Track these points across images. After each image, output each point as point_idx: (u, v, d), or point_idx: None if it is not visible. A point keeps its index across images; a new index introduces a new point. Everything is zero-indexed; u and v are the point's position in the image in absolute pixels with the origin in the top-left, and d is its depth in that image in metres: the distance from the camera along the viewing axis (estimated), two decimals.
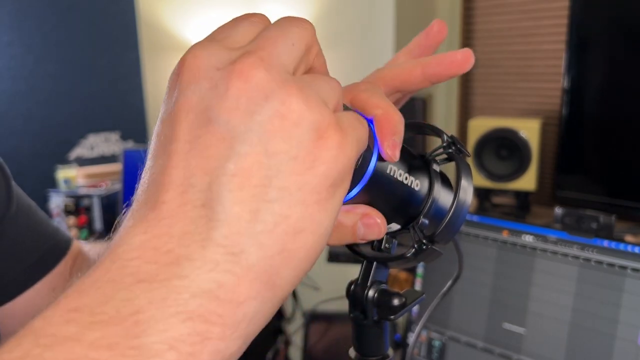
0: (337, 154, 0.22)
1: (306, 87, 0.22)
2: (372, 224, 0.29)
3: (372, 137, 0.28)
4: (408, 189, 0.30)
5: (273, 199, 0.21)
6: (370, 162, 0.27)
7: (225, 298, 0.19)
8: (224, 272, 0.20)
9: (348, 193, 0.28)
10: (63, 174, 1.77)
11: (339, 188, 0.22)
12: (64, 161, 1.86)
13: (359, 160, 0.26)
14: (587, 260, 0.74)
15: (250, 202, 0.20)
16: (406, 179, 0.30)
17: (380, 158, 0.28)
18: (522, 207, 1.18)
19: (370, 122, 0.29)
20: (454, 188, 0.32)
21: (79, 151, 1.91)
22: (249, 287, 0.20)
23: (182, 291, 0.19)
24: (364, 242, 0.31)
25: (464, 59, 0.35)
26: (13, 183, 0.48)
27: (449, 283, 0.46)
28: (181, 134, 0.21)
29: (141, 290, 0.19)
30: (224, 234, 0.20)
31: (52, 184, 1.78)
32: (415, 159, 0.32)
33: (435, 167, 0.32)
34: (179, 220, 0.20)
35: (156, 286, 0.19)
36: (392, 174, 0.29)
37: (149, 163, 0.22)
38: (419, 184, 0.31)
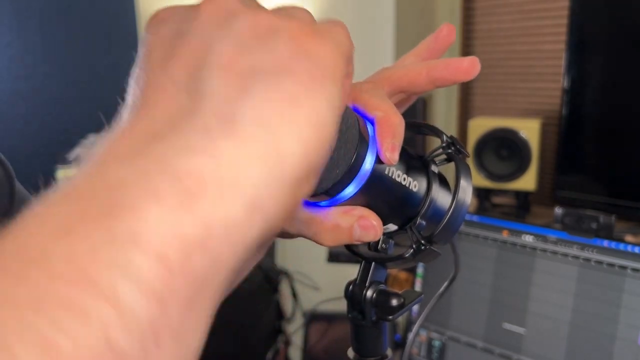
0: (324, 46, 0.21)
1: (276, 9, 0.22)
2: (369, 226, 0.30)
3: (372, 139, 0.28)
4: (406, 190, 0.30)
5: (259, 80, 0.20)
6: (364, 161, 0.27)
7: (216, 156, 0.18)
8: (218, 133, 0.18)
9: (346, 193, 0.28)
10: (63, 174, 1.78)
11: (330, 80, 0.20)
12: (64, 161, 1.86)
13: (354, 157, 0.26)
14: (587, 260, 0.74)
15: (235, 84, 0.19)
16: (404, 180, 0.30)
17: (378, 159, 0.28)
18: (522, 207, 1.18)
19: (371, 123, 0.29)
20: (453, 188, 0.32)
21: (79, 151, 1.92)
22: (248, 150, 0.18)
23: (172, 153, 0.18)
24: (360, 243, 0.31)
25: (470, 66, 0.35)
26: (16, 181, 0.48)
27: (445, 284, 0.46)
28: (157, 53, 0.21)
29: (127, 162, 0.18)
30: (213, 105, 0.19)
31: (52, 184, 1.78)
32: (414, 159, 0.32)
33: (434, 169, 0.32)
34: (164, 109, 0.19)
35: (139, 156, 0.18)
36: (390, 174, 0.29)
37: (128, 98, 0.22)
38: (417, 185, 0.31)
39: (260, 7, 0.22)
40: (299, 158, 0.19)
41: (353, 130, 0.27)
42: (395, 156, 0.28)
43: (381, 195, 0.30)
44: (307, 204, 0.31)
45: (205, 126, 0.18)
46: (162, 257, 0.16)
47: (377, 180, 0.28)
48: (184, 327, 0.17)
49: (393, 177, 0.29)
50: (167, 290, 0.16)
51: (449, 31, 0.39)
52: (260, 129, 0.19)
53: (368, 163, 0.27)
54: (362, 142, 0.27)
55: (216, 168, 0.17)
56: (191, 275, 0.16)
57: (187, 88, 0.20)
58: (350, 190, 0.28)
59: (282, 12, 0.23)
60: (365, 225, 0.30)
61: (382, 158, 0.28)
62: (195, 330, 0.18)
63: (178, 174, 0.17)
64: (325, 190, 0.27)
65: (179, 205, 0.16)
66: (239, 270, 0.20)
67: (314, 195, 0.28)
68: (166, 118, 0.19)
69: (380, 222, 0.30)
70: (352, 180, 0.27)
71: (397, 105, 0.39)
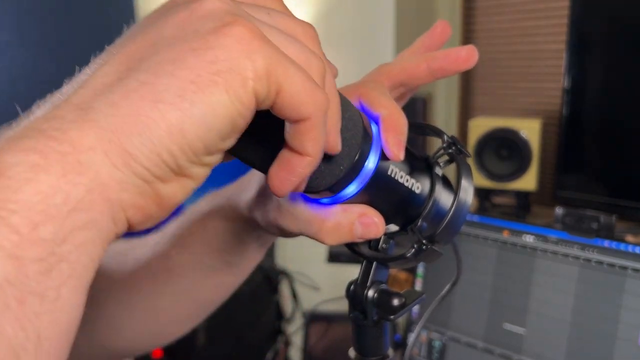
0: (234, 45, 0.20)
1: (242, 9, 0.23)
2: (370, 224, 0.30)
3: (376, 138, 0.28)
4: (408, 191, 0.30)
5: (143, 69, 0.21)
6: (368, 160, 0.27)
7: (66, 139, 0.19)
8: (68, 123, 0.20)
9: (348, 192, 0.28)
10: None
11: (228, 82, 0.20)
12: None
13: (358, 154, 0.26)
14: (588, 260, 0.74)
15: (120, 72, 0.21)
16: (407, 181, 0.30)
17: (382, 158, 0.28)
18: (522, 207, 1.18)
19: (375, 121, 0.29)
20: (455, 189, 0.32)
21: None
22: (92, 138, 0.20)
23: (21, 134, 0.20)
24: (361, 241, 0.31)
25: (468, 55, 0.36)
26: None
27: (447, 287, 0.45)
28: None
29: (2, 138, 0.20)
30: (81, 95, 0.21)
31: None
32: (417, 160, 0.32)
33: (438, 171, 0.32)
34: (58, 94, 0.22)
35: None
36: (393, 175, 0.29)
37: None
38: (419, 186, 0.31)
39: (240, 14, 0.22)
40: (147, 157, 0.20)
41: (358, 128, 0.27)
42: (401, 152, 0.28)
43: (383, 195, 0.30)
44: (310, 201, 0.31)
45: (61, 115, 0.20)
46: (10, 223, 0.18)
47: (380, 180, 0.28)
48: (45, 288, 0.18)
49: (396, 177, 0.29)
50: (18, 250, 0.18)
51: (443, 28, 0.39)
52: (110, 119, 0.20)
53: (371, 162, 0.27)
54: (366, 140, 0.27)
55: (60, 148, 0.19)
56: (39, 239, 0.18)
57: (83, 80, 0.22)
58: (352, 189, 0.28)
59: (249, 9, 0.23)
60: (366, 222, 0.30)
61: (388, 154, 0.28)
62: (63, 297, 0.19)
63: (26, 150, 0.19)
64: (329, 186, 0.27)
65: (24, 177, 0.18)
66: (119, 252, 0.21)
67: (317, 192, 0.28)
68: (51, 102, 0.21)
69: (382, 219, 0.30)
70: (356, 177, 0.27)
71: (397, 99, 0.39)
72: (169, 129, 0.20)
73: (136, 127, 0.20)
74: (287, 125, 0.23)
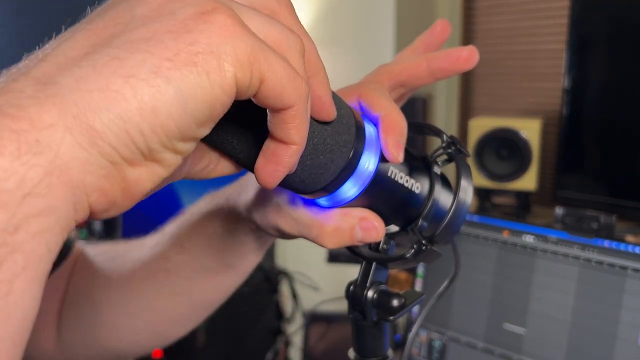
0: (215, 31, 0.19)
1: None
2: (370, 228, 0.30)
3: (375, 140, 0.28)
4: (408, 192, 0.30)
5: (114, 46, 0.19)
6: (368, 163, 0.27)
7: (23, 116, 0.18)
8: (27, 98, 0.18)
9: (348, 195, 0.28)
10: None
11: (209, 64, 0.19)
12: None
13: (352, 152, 0.26)
14: (588, 260, 0.74)
15: (87, 47, 0.20)
16: (407, 181, 0.30)
17: (382, 159, 0.28)
18: (522, 207, 1.17)
19: (374, 123, 0.29)
20: (454, 189, 0.32)
21: None
22: (54, 114, 0.18)
23: None
24: (362, 244, 0.31)
25: (469, 56, 0.35)
26: None
27: (445, 283, 0.45)
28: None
29: None
30: (43, 68, 0.19)
31: None
32: (416, 160, 0.32)
33: (436, 170, 0.32)
34: (14, 68, 0.20)
35: None
36: (393, 176, 0.29)
37: None
38: (419, 186, 0.31)
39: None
40: (116, 135, 0.19)
41: (350, 125, 0.26)
42: (401, 154, 0.28)
43: (384, 197, 0.30)
44: (310, 203, 0.31)
45: (18, 88, 0.18)
46: None
47: (380, 182, 0.28)
48: None
49: (396, 179, 0.29)
50: None
51: (443, 27, 0.39)
52: (75, 93, 0.18)
53: (371, 164, 0.27)
54: (360, 138, 0.27)
55: (15, 126, 0.17)
56: None
57: (49, 50, 0.20)
58: (353, 192, 0.28)
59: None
60: (366, 226, 0.29)
61: (388, 156, 0.28)
62: (16, 291, 0.18)
63: None
64: (324, 186, 0.27)
65: None
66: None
67: (312, 192, 0.27)
68: (10, 74, 0.19)
69: (382, 223, 0.30)
70: (351, 175, 0.27)
71: (396, 100, 0.39)
72: (141, 106, 0.19)
73: (105, 102, 0.18)
74: (270, 115, 0.22)
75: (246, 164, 0.26)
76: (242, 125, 0.25)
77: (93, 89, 0.18)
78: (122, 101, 0.18)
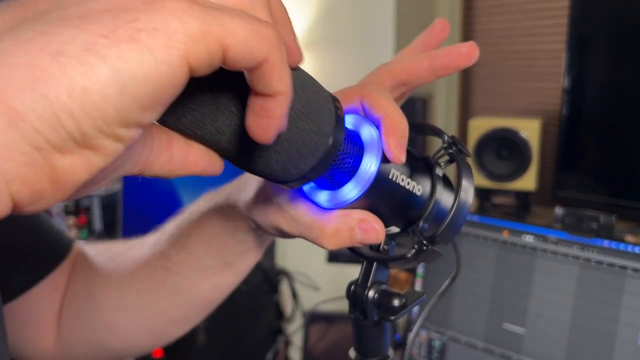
0: (159, 8, 0.18)
1: None
2: (370, 230, 0.30)
3: (377, 142, 0.28)
4: (410, 194, 0.30)
5: (43, 21, 0.17)
6: (369, 164, 0.27)
7: None
8: None
9: (350, 196, 0.28)
10: None
11: (153, 40, 0.18)
12: None
13: (330, 141, 0.25)
14: (588, 260, 0.74)
15: (10, 21, 0.18)
16: (408, 183, 0.30)
17: (383, 160, 0.28)
18: (522, 207, 1.18)
19: (376, 125, 0.29)
20: (455, 189, 0.32)
21: None
22: None
23: None
24: (362, 246, 0.31)
25: (469, 52, 0.36)
26: None
27: (446, 282, 0.46)
28: None
29: None
30: None
31: None
32: (418, 161, 0.32)
33: (438, 172, 0.32)
34: None
35: None
36: (394, 178, 0.29)
37: None
38: (420, 188, 0.31)
39: None
40: (39, 115, 0.17)
41: (323, 115, 0.25)
42: (403, 155, 0.28)
43: (385, 199, 0.30)
44: (310, 203, 0.31)
45: None
46: None
47: (381, 184, 0.28)
48: None
49: (397, 181, 0.29)
50: None
51: (442, 26, 0.39)
52: None
53: (373, 166, 0.27)
54: (339, 128, 0.26)
55: None
56: None
57: None
58: (354, 193, 0.27)
59: None
60: (366, 228, 0.29)
61: (390, 157, 0.28)
62: None
63: None
64: (302, 176, 0.26)
65: None
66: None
67: (288, 181, 0.26)
68: None
69: (382, 225, 0.30)
70: (348, 179, 0.27)
71: (396, 99, 0.39)
72: (70, 86, 0.17)
73: (28, 80, 0.16)
74: (248, 75, 0.21)
75: (221, 148, 0.24)
76: (210, 101, 0.23)
77: (14, 65, 0.16)
78: (49, 79, 0.16)
